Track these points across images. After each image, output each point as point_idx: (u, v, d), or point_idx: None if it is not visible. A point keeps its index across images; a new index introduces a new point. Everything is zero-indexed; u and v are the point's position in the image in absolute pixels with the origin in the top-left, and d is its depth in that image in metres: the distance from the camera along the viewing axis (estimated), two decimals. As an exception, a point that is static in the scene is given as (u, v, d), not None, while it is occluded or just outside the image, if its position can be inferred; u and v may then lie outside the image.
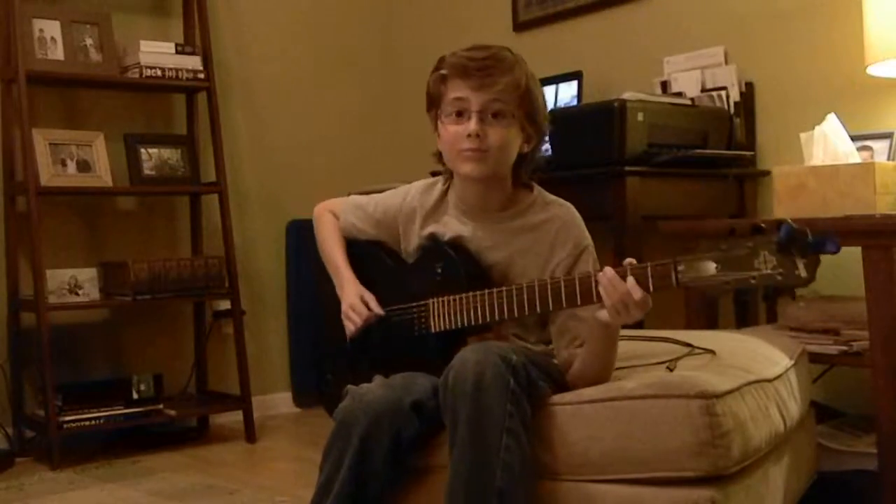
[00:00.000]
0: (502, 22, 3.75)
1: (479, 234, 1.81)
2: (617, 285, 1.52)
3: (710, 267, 1.41)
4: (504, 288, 1.67)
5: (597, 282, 1.54)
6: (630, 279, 1.51)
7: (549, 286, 1.61)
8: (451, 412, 1.57)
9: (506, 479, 1.51)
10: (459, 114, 1.73)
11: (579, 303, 1.58)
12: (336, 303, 1.93)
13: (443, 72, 1.75)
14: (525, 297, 1.64)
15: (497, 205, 1.81)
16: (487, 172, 1.75)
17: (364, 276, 1.91)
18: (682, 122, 2.73)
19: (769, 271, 1.35)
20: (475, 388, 1.53)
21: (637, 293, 1.50)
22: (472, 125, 1.70)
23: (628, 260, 1.54)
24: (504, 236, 1.80)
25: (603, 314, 1.56)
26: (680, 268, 1.45)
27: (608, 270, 1.53)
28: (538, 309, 1.63)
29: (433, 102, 1.79)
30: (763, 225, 1.38)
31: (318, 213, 2.03)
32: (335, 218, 2.00)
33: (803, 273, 1.33)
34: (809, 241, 1.33)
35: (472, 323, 1.71)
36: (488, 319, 1.69)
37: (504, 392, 1.53)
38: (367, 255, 1.95)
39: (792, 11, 2.84)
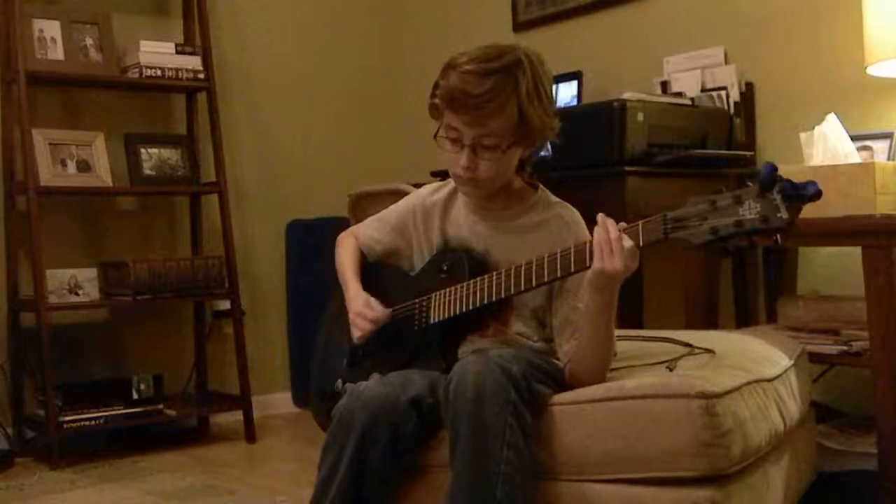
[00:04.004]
0: (502, 22, 3.75)
1: (486, 232, 1.83)
2: (609, 227, 1.56)
3: (697, 218, 1.45)
4: (502, 270, 1.69)
5: (591, 246, 1.56)
6: (623, 235, 1.55)
7: (545, 259, 1.63)
8: (452, 424, 1.57)
9: (506, 491, 1.51)
10: (454, 141, 1.73)
11: (573, 269, 1.60)
12: (336, 318, 1.97)
13: (436, 101, 1.74)
14: (521, 273, 1.65)
15: (502, 204, 1.83)
16: (482, 195, 1.81)
17: (376, 288, 1.93)
18: (682, 122, 2.73)
19: (753, 216, 1.40)
20: (475, 400, 1.53)
21: (627, 242, 1.54)
22: (464, 160, 1.71)
23: (620, 224, 1.57)
24: (508, 234, 1.81)
25: (590, 269, 1.57)
26: (668, 221, 1.49)
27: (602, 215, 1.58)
28: (534, 282, 1.64)
29: (435, 115, 1.79)
30: (749, 182, 1.43)
31: (338, 239, 2.06)
32: (354, 239, 2.03)
33: (784, 215, 1.37)
34: (790, 181, 1.38)
35: (471, 306, 1.72)
36: (486, 301, 1.70)
37: (505, 404, 1.54)
38: (377, 270, 1.99)
39: (792, 11, 2.84)
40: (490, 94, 1.66)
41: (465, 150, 1.71)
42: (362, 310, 1.86)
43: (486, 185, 1.76)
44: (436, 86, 1.75)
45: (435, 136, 1.76)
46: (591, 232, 1.77)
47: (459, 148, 1.72)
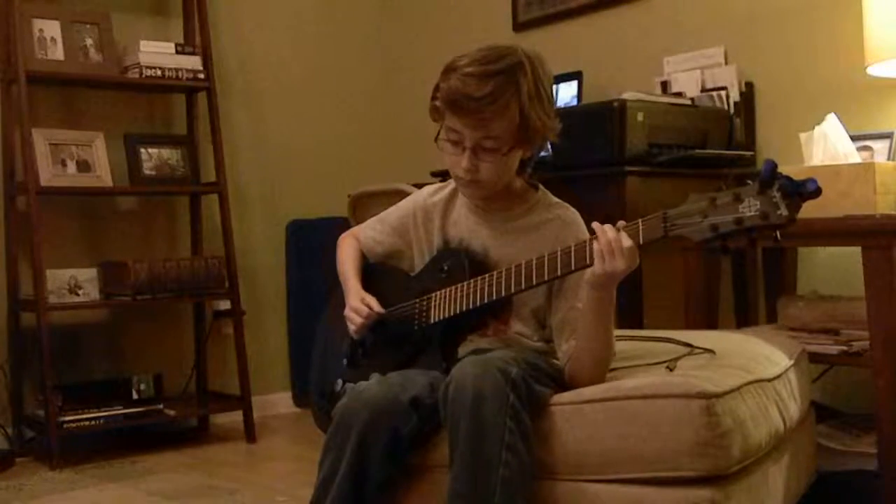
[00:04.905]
0: (502, 22, 3.75)
1: (486, 232, 1.83)
2: (608, 230, 1.56)
3: (698, 215, 1.46)
4: (502, 269, 1.69)
5: (591, 244, 1.57)
6: (622, 233, 1.55)
7: (545, 258, 1.63)
8: (451, 426, 1.57)
9: (504, 494, 1.51)
10: (455, 143, 1.73)
11: (573, 267, 1.60)
12: (335, 318, 1.97)
13: (436, 103, 1.74)
14: (522, 271, 1.66)
15: (502, 205, 1.83)
16: (484, 196, 1.81)
17: (376, 288, 1.93)
18: (682, 122, 2.73)
19: (753, 213, 1.40)
20: (474, 403, 1.53)
21: (626, 241, 1.54)
22: (465, 162, 1.71)
23: (620, 222, 1.57)
24: (508, 235, 1.81)
25: (591, 270, 1.58)
26: (668, 219, 1.49)
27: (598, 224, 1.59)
28: (534, 281, 1.65)
29: (435, 117, 1.79)
30: (748, 180, 1.43)
31: (339, 240, 2.06)
32: (356, 240, 2.03)
33: (784, 212, 1.38)
34: (790, 178, 1.39)
35: (471, 306, 1.72)
36: (486, 301, 1.70)
37: (503, 407, 1.54)
38: (378, 270, 1.99)
39: (792, 11, 2.84)
40: (491, 96, 1.66)
41: (467, 153, 1.71)
42: (357, 305, 1.88)
43: (488, 186, 1.77)
44: (436, 88, 1.75)
45: (436, 139, 1.76)
46: (591, 234, 1.78)
47: (460, 150, 1.72)
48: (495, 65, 1.68)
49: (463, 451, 1.53)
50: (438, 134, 1.76)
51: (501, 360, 1.59)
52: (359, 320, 1.87)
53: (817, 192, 1.38)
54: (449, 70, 1.72)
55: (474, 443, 1.52)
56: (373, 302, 1.88)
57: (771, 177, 1.39)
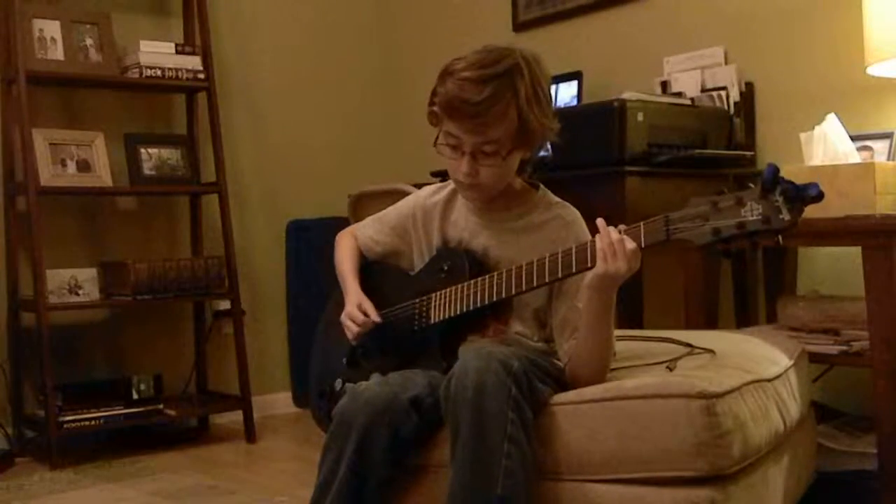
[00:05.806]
0: (502, 22, 3.75)
1: (486, 232, 1.83)
2: (611, 231, 1.56)
3: (700, 219, 1.46)
4: (502, 270, 1.70)
5: (592, 246, 1.57)
6: (625, 235, 1.56)
7: (546, 260, 1.63)
8: (452, 419, 1.57)
9: (508, 486, 1.51)
10: (454, 147, 1.73)
11: (574, 269, 1.60)
12: (335, 318, 1.97)
13: (434, 108, 1.74)
14: (523, 273, 1.66)
15: (502, 205, 1.83)
16: (484, 199, 1.81)
17: (375, 287, 1.93)
18: (682, 122, 2.73)
19: (755, 217, 1.40)
20: (476, 395, 1.53)
21: (629, 244, 1.54)
22: (464, 166, 1.71)
23: (620, 226, 1.58)
24: (509, 235, 1.81)
25: (592, 272, 1.58)
26: (671, 222, 1.49)
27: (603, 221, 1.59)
28: (535, 282, 1.65)
29: (434, 122, 1.79)
30: (750, 184, 1.43)
31: (337, 238, 2.06)
32: (353, 238, 2.02)
33: (787, 217, 1.38)
34: (793, 182, 1.39)
35: (472, 307, 1.73)
36: (486, 301, 1.70)
37: (505, 399, 1.54)
38: (377, 270, 1.99)
39: (792, 11, 2.84)
40: (489, 101, 1.65)
41: (466, 157, 1.71)
42: (353, 312, 1.87)
43: (488, 189, 1.77)
44: (434, 93, 1.75)
45: (435, 144, 1.76)
46: (592, 234, 1.78)
47: (460, 155, 1.72)
48: (492, 68, 1.67)
49: (465, 443, 1.53)
50: (437, 138, 1.76)
51: (503, 354, 1.59)
52: (355, 328, 1.87)
53: (819, 197, 1.38)
54: (445, 74, 1.71)
55: (477, 434, 1.53)
56: (370, 308, 1.87)
57: (773, 181, 1.39)
